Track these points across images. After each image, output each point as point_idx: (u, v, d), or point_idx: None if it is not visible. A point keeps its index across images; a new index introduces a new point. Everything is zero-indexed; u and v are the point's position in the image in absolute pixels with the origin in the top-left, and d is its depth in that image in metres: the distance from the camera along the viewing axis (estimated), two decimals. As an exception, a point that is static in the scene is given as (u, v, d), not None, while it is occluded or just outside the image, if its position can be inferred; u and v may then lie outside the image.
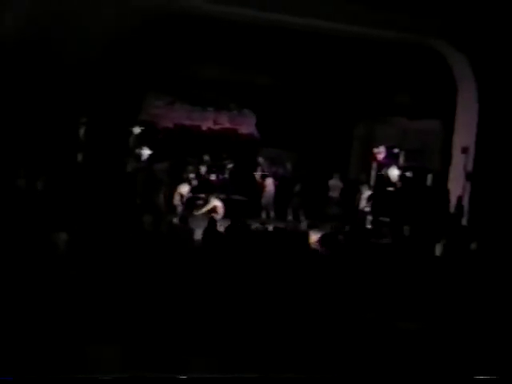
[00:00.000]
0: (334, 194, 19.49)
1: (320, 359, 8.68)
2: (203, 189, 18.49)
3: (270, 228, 14.60)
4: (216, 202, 17.62)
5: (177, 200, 17.61)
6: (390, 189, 19.09)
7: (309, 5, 16.23)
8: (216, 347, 8.64)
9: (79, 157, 16.58)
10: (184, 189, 17.84)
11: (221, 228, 13.06)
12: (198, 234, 12.85)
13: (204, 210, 17.38)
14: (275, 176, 19.58)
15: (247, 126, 21.26)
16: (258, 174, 19.63)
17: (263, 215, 18.73)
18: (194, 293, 10.02)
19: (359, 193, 18.63)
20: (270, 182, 19.28)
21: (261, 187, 19.27)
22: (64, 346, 8.13)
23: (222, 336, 8.98)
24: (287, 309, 9.90)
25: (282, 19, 16.79)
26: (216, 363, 8.22)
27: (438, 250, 14.16)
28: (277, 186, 19.26)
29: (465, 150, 17.65)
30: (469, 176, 17.56)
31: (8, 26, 14.33)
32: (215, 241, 12.37)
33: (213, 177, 19.18)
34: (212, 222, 12.98)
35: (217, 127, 20.95)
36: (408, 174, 19.38)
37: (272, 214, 18.98)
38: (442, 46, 17.93)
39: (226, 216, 16.60)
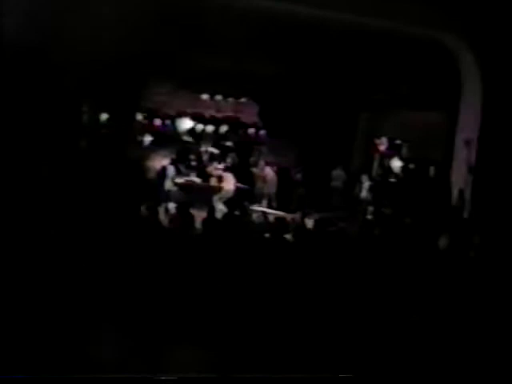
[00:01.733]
0: (338, 184, 19.50)
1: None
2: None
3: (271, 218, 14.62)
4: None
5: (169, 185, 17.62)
6: (392, 180, 19.10)
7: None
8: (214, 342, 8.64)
9: (82, 144, 16.55)
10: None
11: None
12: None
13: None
14: (278, 165, 19.58)
15: (250, 114, 21.23)
16: (261, 163, 19.58)
17: (265, 204, 18.77)
18: (194, 285, 10.01)
19: (359, 183, 18.65)
20: (272, 172, 19.28)
21: (264, 176, 19.26)
22: (61, 342, 8.11)
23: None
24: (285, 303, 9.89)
25: (287, 9, 16.72)
26: (213, 358, 8.20)
27: (440, 242, 14.13)
28: (279, 176, 19.25)
29: (468, 143, 17.60)
30: (471, 169, 17.52)
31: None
32: (214, 229, 12.34)
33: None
34: (211, 210, 12.95)
35: (219, 115, 20.94)
36: (410, 165, 19.38)
37: (274, 203, 19.00)
38: (448, 39, 17.87)
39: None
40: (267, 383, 5.76)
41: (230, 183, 18.34)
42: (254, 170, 19.46)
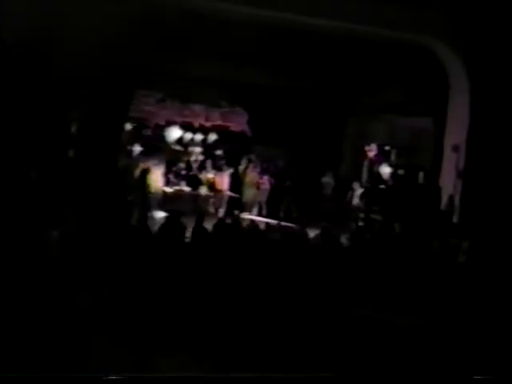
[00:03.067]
0: (327, 191, 19.53)
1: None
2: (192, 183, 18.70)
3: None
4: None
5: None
6: (382, 186, 19.11)
7: (301, 2, 16.22)
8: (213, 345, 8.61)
9: (71, 153, 16.50)
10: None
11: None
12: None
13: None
14: (271, 173, 19.58)
15: (239, 123, 21.23)
16: (252, 172, 19.56)
17: (256, 212, 18.80)
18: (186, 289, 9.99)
19: (351, 190, 18.67)
20: (265, 180, 19.30)
21: (256, 184, 19.27)
22: (58, 343, 8.07)
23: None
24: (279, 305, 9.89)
25: (275, 17, 16.76)
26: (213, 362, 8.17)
27: (429, 247, 14.16)
28: (272, 184, 19.29)
29: (455, 148, 17.65)
30: (460, 174, 17.58)
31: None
32: (203, 237, 12.30)
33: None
34: (200, 218, 12.93)
35: (208, 124, 20.94)
36: (400, 171, 19.41)
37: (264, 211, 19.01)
38: (435, 45, 17.95)
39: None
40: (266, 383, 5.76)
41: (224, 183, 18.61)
42: (249, 177, 19.45)
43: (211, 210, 17.99)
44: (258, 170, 19.60)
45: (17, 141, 14.82)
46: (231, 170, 19.43)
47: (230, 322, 9.33)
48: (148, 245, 11.59)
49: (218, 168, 19.26)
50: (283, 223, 16.25)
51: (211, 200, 18.41)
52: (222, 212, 17.28)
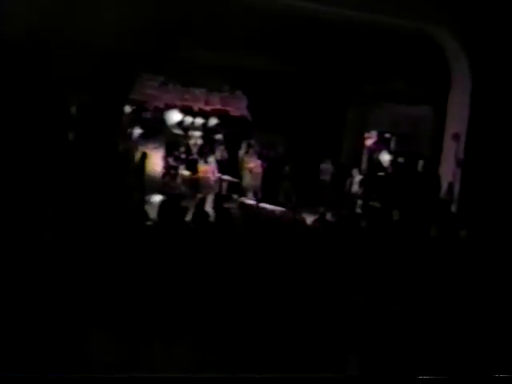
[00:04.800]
0: (326, 177, 19.55)
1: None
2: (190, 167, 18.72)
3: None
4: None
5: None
6: (381, 174, 19.14)
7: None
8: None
9: (70, 136, 16.48)
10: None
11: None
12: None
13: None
14: (264, 158, 19.59)
15: (238, 107, 21.22)
16: (252, 156, 19.56)
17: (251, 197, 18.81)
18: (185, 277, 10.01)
19: (350, 177, 18.69)
20: (258, 164, 19.31)
21: (250, 169, 19.28)
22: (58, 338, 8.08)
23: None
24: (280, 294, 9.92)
25: (278, 2, 16.71)
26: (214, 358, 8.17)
27: (428, 235, 14.19)
28: (265, 169, 19.28)
29: (455, 137, 17.65)
30: (459, 162, 17.59)
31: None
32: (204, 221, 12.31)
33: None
34: (201, 202, 12.94)
35: (208, 108, 20.93)
36: (399, 159, 19.43)
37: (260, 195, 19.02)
38: (437, 33, 17.91)
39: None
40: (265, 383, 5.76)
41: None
42: (248, 161, 19.44)
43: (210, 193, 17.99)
44: (256, 155, 19.62)
45: (16, 123, 14.78)
46: (230, 155, 19.46)
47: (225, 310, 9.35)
48: (145, 229, 11.60)
49: (214, 152, 19.27)
50: (280, 208, 16.29)
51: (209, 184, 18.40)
52: (212, 196, 17.24)
